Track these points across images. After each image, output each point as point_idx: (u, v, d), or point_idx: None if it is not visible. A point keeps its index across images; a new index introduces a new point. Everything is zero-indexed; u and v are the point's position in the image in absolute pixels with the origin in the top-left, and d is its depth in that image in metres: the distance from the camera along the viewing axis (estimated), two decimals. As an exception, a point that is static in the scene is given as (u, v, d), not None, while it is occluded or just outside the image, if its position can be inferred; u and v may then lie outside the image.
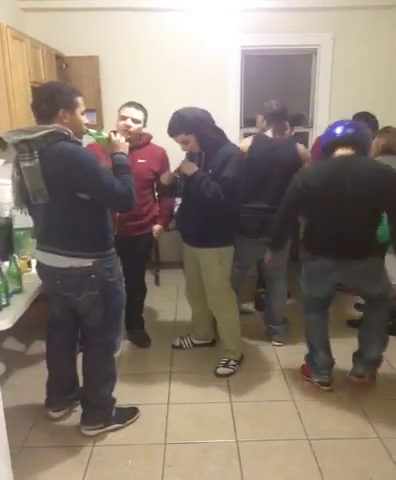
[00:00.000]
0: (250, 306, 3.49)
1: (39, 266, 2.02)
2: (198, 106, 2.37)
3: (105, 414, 2.17)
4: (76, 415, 2.25)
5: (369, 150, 2.31)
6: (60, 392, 2.28)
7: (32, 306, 2.05)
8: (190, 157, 2.49)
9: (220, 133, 2.39)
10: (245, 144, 2.76)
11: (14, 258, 2.09)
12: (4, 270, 1.97)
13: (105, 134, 2.04)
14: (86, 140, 2.08)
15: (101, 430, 2.16)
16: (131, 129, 2.54)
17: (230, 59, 4.02)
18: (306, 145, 3.92)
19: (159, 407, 2.37)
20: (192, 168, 2.36)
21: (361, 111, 3.31)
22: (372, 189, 2.12)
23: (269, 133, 2.78)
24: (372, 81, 4.03)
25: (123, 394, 2.34)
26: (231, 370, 2.66)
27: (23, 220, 2.26)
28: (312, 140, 4.09)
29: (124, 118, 2.55)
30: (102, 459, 2.03)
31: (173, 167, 2.59)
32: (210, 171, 2.35)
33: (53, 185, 1.79)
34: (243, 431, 2.20)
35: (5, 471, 1.76)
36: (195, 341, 2.95)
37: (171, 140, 2.39)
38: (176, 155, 2.59)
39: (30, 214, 1.99)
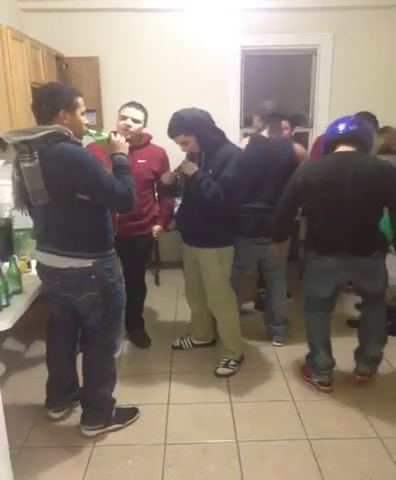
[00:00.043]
0: (250, 306, 3.49)
1: (39, 266, 2.02)
2: (198, 106, 2.37)
3: (105, 414, 2.17)
4: (76, 415, 2.25)
5: (371, 147, 2.31)
6: (60, 392, 2.28)
7: (32, 306, 2.05)
8: (190, 157, 2.49)
9: (220, 133, 2.39)
10: (245, 144, 2.76)
11: (14, 259, 2.10)
12: (4, 271, 1.97)
13: (105, 134, 2.04)
14: (86, 141, 2.08)
15: (101, 430, 2.16)
16: (131, 129, 2.54)
17: (230, 59, 4.02)
18: (306, 145, 3.93)
19: (159, 407, 2.37)
20: (193, 168, 2.36)
21: (361, 111, 3.30)
22: (373, 186, 2.12)
23: (265, 133, 2.78)
24: (372, 81, 4.03)
25: (123, 394, 2.34)
26: (231, 370, 2.66)
27: (23, 221, 2.27)
28: (312, 140, 4.09)
29: (124, 118, 2.56)
30: (102, 459, 2.03)
31: (173, 167, 2.59)
32: (210, 171, 2.35)
33: (53, 186, 1.80)
34: (243, 431, 2.20)
35: (5, 471, 1.76)
36: (195, 341, 2.95)
37: (171, 140, 2.39)
38: (176, 155, 2.59)
39: (30, 215, 1.99)
